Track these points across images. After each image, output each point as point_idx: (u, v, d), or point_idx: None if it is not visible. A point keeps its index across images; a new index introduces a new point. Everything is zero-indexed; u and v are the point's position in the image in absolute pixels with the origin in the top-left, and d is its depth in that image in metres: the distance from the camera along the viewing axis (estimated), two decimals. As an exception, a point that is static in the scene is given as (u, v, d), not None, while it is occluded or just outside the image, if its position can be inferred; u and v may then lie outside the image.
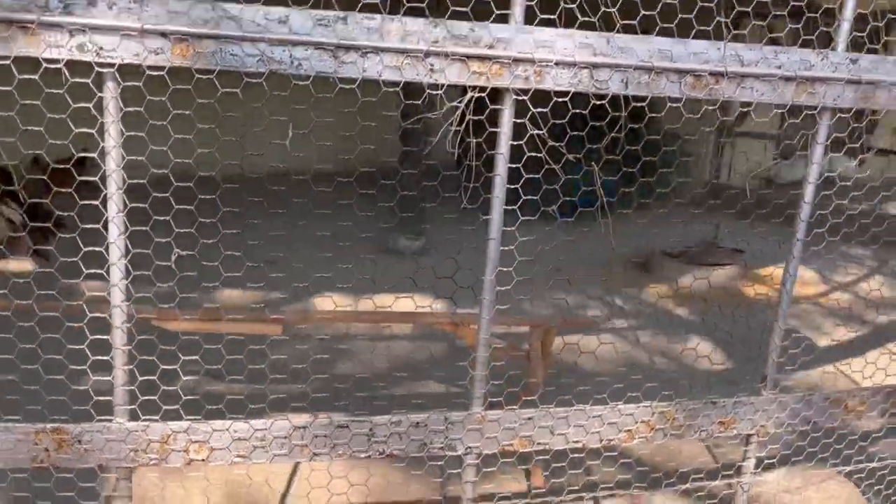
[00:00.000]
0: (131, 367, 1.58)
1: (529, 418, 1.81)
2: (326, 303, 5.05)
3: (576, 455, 2.73)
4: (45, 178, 2.00)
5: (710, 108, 1.91)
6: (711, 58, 1.62)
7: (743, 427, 1.97)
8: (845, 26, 1.71)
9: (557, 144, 2.59)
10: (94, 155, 1.52)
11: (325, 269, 4.65)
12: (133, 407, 1.62)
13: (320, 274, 4.81)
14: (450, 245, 7.57)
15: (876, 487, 3.58)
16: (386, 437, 1.74)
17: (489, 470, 2.60)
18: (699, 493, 3.09)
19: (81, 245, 1.70)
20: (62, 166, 2.04)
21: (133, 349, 1.64)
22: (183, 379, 4.12)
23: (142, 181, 1.92)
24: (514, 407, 1.81)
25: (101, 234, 1.55)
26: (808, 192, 1.85)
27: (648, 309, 6.50)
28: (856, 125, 12.63)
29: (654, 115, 3.72)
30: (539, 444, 1.82)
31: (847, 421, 2.06)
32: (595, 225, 8.90)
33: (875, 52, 1.74)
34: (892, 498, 3.58)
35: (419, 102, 6.83)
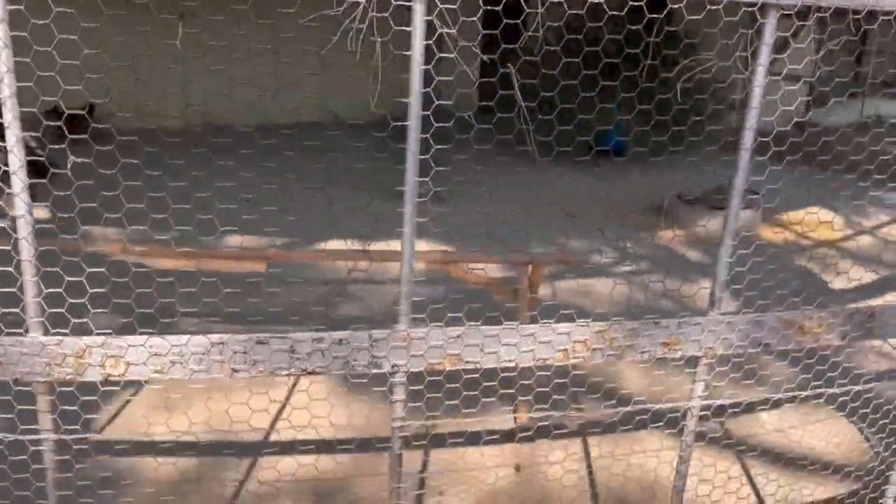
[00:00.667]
0: (36, 279, 1.56)
1: (458, 336, 1.75)
2: (333, 247, 5.04)
3: (560, 381, 2.68)
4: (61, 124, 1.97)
5: (743, 53, 1.81)
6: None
7: (689, 348, 1.89)
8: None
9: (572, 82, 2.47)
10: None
11: (335, 215, 4.59)
12: (41, 320, 1.61)
13: (329, 220, 4.78)
14: (463, 188, 7.50)
15: (862, 411, 3.48)
16: (308, 354, 1.70)
17: (470, 411, 2.58)
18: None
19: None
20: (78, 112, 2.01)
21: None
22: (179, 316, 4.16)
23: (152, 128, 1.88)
24: (440, 324, 1.75)
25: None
26: (756, 96, 1.72)
27: (661, 252, 6.36)
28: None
29: (692, 59, 3.56)
30: (468, 362, 1.77)
31: (803, 343, 1.96)
32: (616, 168, 8.65)
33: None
34: (882, 421, 3.48)
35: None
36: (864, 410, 3.90)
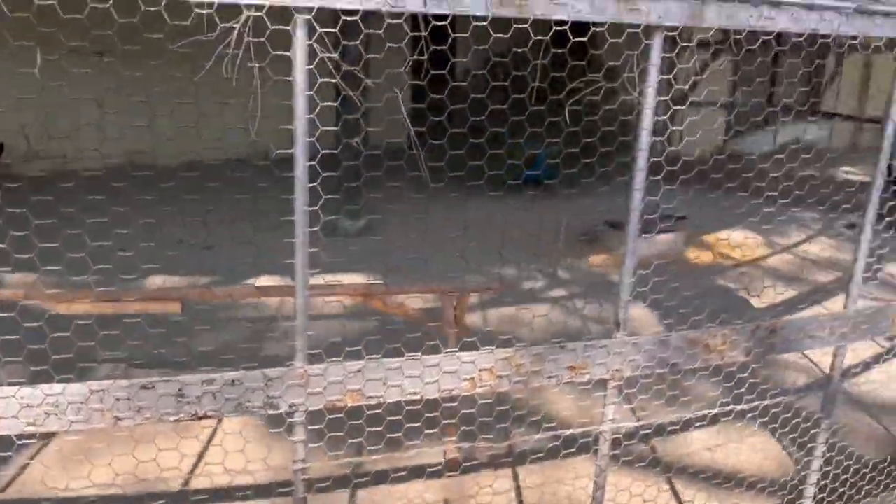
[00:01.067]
0: None
1: (358, 370, 1.68)
2: (263, 283, 4.91)
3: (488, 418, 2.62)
4: None
5: (664, 76, 1.82)
6: (518, -29, 1.49)
7: (596, 371, 1.86)
8: (670, -63, 1.59)
9: (499, 107, 2.48)
10: None
11: (263, 252, 4.48)
12: None
13: (258, 256, 4.65)
14: (394, 223, 7.46)
15: (785, 432, 3.52)
16: (197, 398, 1.61)
17: (412, 443, 2.49)
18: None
19: None
20: None
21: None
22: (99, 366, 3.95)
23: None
24: (339, 359, 1.68)
25: None
26: (647, 118, 1.73)
27: (590, 278, 6.42)
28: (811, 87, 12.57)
29: (610, 84, 3.60)
30: (371, 397, 1.70)
31: (710, 361, 1.96)
32: (548, 196, 8.73)
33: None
34: (800, 440, 3.53)
35: (355, 67, 6.67)
36: (784, 428, 3.97)
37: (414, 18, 1.72)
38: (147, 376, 1.55)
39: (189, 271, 5.55)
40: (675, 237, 7.17)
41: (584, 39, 2.11)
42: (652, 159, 2.89)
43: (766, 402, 2.26)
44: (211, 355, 4.19)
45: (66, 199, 2.65)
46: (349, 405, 1.68)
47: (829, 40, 2.03)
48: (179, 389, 1.59)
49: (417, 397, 1.72)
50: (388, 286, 3.69)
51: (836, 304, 5.89)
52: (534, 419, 3.62)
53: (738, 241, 7.21)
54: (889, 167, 7.23)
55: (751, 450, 3.81)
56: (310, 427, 1.74)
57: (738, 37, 2.14)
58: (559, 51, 2.40)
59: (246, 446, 2.92)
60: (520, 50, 2.49)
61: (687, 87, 11.11)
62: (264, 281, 5.09)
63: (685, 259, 6.98)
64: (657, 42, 1.69)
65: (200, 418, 1.61)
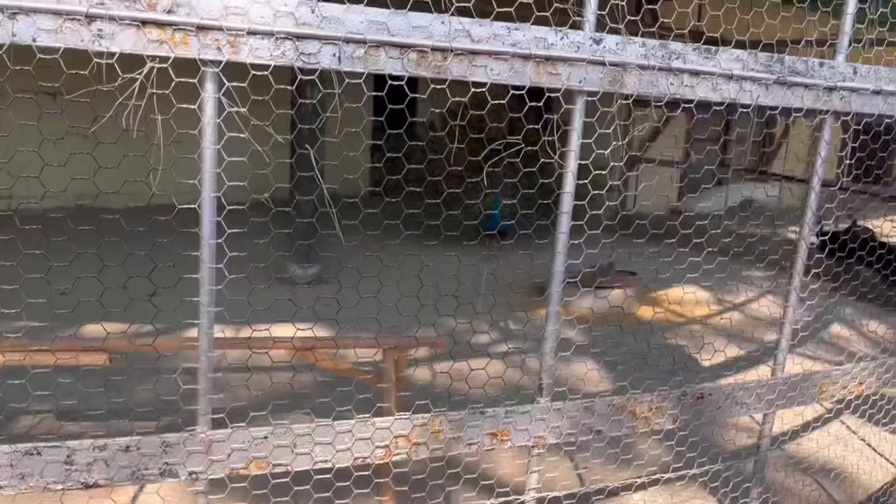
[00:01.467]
0: None
1: (265, 437, 1.59)
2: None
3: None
4: None
5: (618, 143, 1.84)
6: (436, 32, 1.48)
7: (519, 438, 1.80)
8: (591, 4, 1.60)
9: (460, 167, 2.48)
10: None
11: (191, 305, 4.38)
12: None
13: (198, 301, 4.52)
14: (347, 272, 7.37)
15: (723, 489, 3.47)
16: (87, 465, 1.50)
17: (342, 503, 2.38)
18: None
19: None
20: None
21: None
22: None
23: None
24: (243, 424, 1.59)
25: None
26: (569, 181, 1.71)
27: (541, 332, 6.39)
28: (762, 149, 12.95)
29: (565, 149, 3.67)
30: (279, 465, 1.61)
31: (636, 428, 1.92)
32: (502, 250, 8.74)
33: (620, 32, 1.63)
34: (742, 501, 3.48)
35: (311, 125, 6.65)
36: (725, 489, 3.93)
37: (376, 79, 1.70)
38: (77, 428, 1.44)
39: (131, 319, 5.37)
40: (626, 294, 7.21)
41: (540, 104, 2.14)
42: (605, 221, 2.92)
43: (712, 466, 2.21)
44: (144, 406, 4.03)
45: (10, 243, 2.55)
46: (253, 474, 1.59)
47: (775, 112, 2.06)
48: (68, 456, 1.49)
49: (328, 465, 1.64)
50: (323, 339, 3.59)
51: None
52: (486, 482, 3.52)
53: (689, 299, 7.27)
54: (820, 227, 7.41)
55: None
56: (234, 485, 1.64)
57: (688, 106, 2.16)
58: (515, 115, 2.45)
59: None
60: (477, 112, 2.49)
61: (641, 151, 11.37)
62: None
63: (636, 315, 7.01)
64: (579, 106, 1.68)
65: (90, 487, 1.50)
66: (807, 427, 4.74)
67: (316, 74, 1.47)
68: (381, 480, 3.16)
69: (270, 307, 2.20)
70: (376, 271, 2.59)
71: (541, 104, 2.71)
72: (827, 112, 1.93)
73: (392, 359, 3.62)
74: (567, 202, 1.73)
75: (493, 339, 6.18)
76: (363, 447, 1.66)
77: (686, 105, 1.95)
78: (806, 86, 1.84)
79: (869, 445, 4.42)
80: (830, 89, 1.88)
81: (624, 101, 11.47)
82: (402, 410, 3.79)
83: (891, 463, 4.25)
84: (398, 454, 1.69)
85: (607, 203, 9.06)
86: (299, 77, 1.60)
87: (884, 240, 8.05)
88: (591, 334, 6.33)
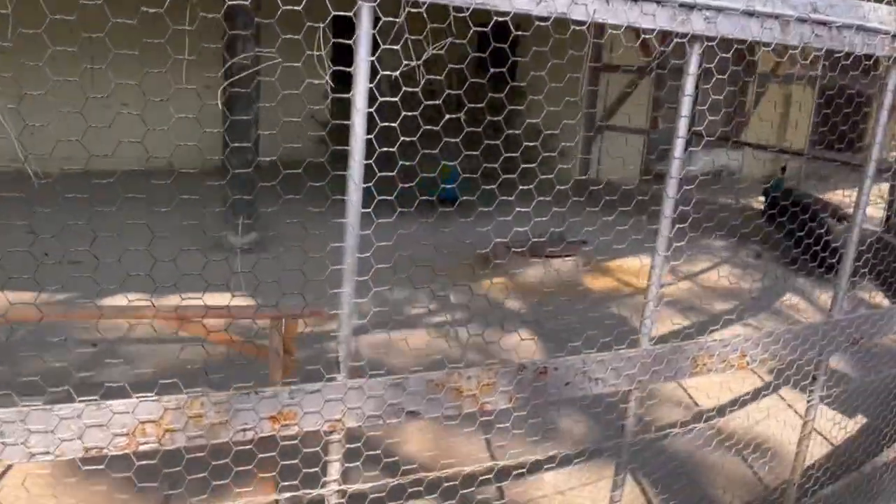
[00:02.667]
0: None
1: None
2: (120, 303, 4.44)
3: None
4: None
5: (572, 98, 1.56)
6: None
7: (308, 422, 1.50)
8: None
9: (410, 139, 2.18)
10: None
11: (133, 267, 4.05)
12: None
13: (129, 272, 4.17)
14: (289, 240, 7.02)
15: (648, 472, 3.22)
16: None
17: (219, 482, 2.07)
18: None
19: None
20: None
21: None
22: None
23: None
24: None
25: None
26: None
27: (482, 303, 6.10)
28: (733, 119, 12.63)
29: (515, 107, 3.32)
30: (-15, 457, 1.31)
31: (461, 407, 1.62)
32: (462, 215, 8.43)
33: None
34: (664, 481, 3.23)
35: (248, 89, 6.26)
36: (646, 468, 3.68)
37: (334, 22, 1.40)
38: None
39: (48, 287, 5.03)
40: (572, 263, 6.93)
41: (506, 45, 1.87)
42: (559, 187, 2.60)
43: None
44: (39, 382, 3.71)
45: None
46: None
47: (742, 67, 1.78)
48: None
49: (50, 458, 1.33)
50: (200, 309, 3.27)
51: (726, 334, 5.69)
52: (391, 459, 3.25)
53: (640, 268, 7.00)
54: (766, 193, 7.08)
55: (607, 491, 3.50)
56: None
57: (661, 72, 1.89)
58: (456, 66, 2.17)
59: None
60: (437, 51, 2.17)
61: (606, 118, 11.01)
62: (120, 300, 4.61)
63: (582, 285, 6.72)
64: (695, 50, 1.35)
65: None
66: (736, 402, 4.49)
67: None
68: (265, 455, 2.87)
69: (199, 275, 1.92)
70: (317, 242, 2.37)
71: (503, 95, 2.35)
72: (685, 36, 1.61)
73: (278, 330, 3.32)
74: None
75: (429, 311, 5.89)
76: (97, 435, 1.36)
77: (659, 71, 1.67)
78: (658, 1, 1.52)
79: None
80: (689, 7, 1.56)
81: (593, 65, 11.03)
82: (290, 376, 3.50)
83: (824, 437, 4.01)
84: (147, 443, 1.39)
85: (560, 167, 8.71)
86: (227, 33, 1.26)
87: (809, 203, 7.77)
88: (533, 305, 6.05)
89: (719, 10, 1.60)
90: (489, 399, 1.63)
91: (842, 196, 10.36)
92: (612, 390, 1.78)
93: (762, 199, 9.33)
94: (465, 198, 3.59)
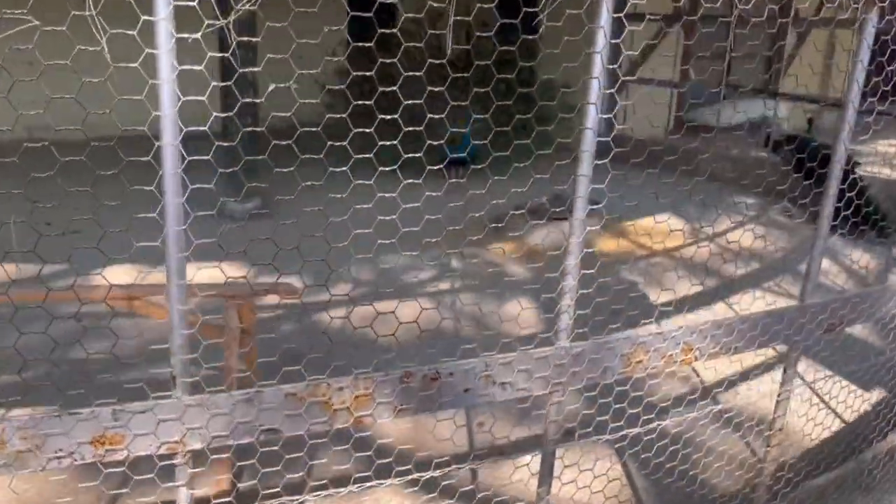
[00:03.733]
0: None
1: None
2: (114, 276, 4.35)
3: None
4: None
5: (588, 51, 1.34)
6: None
7: (140, 446, 1.30)
8: None
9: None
10: None
11: (136, 236, 3.95)
12: None
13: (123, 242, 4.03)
14: (294, 207, 6.85)
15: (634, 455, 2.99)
16: None
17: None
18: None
19: None
20: None
21: None
22: None
23: None
24: None
25: None
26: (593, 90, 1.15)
27: (487, 269, 5.85)
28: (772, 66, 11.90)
29: (526, 63, 3.05)
30: None
31: (330, 423, 1.40)
32: (474, 181, 8.10)
33: None
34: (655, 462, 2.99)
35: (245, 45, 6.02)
36: (634, 450, 3.43)
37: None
38: None
39: (48, 257, 4.94)
40: (589, 223, 6.59)
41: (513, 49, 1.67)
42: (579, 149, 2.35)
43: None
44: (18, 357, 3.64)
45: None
46: None
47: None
48: None
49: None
50: (152, 287, 3.10)
51: (744, 300, 5.33)
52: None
53: (657, 229, 6.63)
54: (767, 137, 6.51)
55: (589, 478, 3.27)
56: None
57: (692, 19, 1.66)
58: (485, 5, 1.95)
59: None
60: (435, 32, 1.95)
61: (631, 72, 10.41)
62: (115, 271, 4.49)
63: (592, 248, 6.39)
64: None
65: None
66: (747, 375, 4.18)
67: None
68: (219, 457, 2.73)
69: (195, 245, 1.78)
70: (322, 205, 2.22)
71: (514, 48, 2.10)
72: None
73: (235, 309, 3.14)
74: (592, 114, 1.18)
75: (429, 278, 5.67)
76: None
77: (689, 18, 1.42)
78: None
79: (817, 395, 3.85)
80: None
81: (614, 15, 10.44)
82: (254, 368, 3.33)
83: (837, 415, 3.69)
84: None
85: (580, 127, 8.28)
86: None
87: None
88: (536, 271, 5.77)
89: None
90: (366, 413, 1.40)
91: (888, 147, 9.70)
92: (523, 395, 1.53)
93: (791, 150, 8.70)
94: (495, 153, 3.33)
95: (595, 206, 6.38)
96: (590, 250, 6.37)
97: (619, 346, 1.60)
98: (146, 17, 1.11)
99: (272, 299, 3.50)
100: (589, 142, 1.42)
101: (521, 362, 1.51)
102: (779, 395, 1.96)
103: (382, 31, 1.80)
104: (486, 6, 2.00)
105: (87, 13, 1.13)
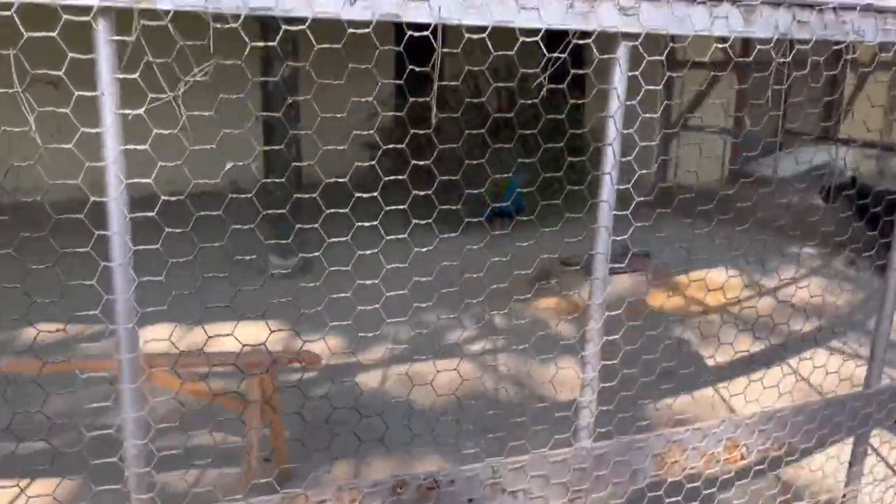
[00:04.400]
0: None
1: None
2: (153, 333, 4.30)
3: None
4: None
5: (651, 87, 1.25)
6: None
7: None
8: None
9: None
10: None
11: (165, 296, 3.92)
12: None
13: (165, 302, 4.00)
14: (339, 264, 6.78)
15: None
16: None
17: None
18: None
19: None
20: None
21: None
22: None
23: None
24: None
25: None
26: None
27: (531, 326, 5.62)
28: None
29: (576, 101, 2.93)
30: None
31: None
32: (520, 234, 7.89)
33: None
34: None
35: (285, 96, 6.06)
36: None
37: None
38: None
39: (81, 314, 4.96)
40: (634, 279, 6.31)
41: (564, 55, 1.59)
42: (640, 199, 2.20)
43: None
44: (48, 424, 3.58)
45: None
46: None
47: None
48: None
49: None
50: (170, 357, 3.00)
51: (805, 361, 4.95)
52: None
53: (711, 282, 6.30)
54: (823, 189, 6.10)
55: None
56: None
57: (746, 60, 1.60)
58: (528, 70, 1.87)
59: None
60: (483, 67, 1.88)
61: (680, 123, 10.14)
62: (160, 329, 4.45)
63: (645, 303, 6.10)
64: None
65: None
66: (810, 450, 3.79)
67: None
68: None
69: (232, 304, 1.77)
70: (362, 262, 2.15)
71: (563, 86, 2.00)
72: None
73: (256, 380, 3.01)
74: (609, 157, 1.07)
75: (471, 336, 5.48)
76: None
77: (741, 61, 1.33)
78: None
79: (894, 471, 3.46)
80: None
81: (662, 59, 10.15)
82: (280, 444, 3.17)
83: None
84: None
85: (638, 172, 8.07)
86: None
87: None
88: (578, 326, 5.51)
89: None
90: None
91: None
92: (539, 504, 1.33)
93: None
94: (542, 203, 3.17)
95: (651, 260, 6.07)
96: (631, 299, 6.08)
97: (650, 446, 1.38)
98: (81, 93, 1.00)
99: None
100: (608, 190, 1.25)
101: (535, 466, 1.31)
102: (844, 496, 1.70)
103: (417, 68, 1.68)
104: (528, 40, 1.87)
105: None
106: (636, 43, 1.20)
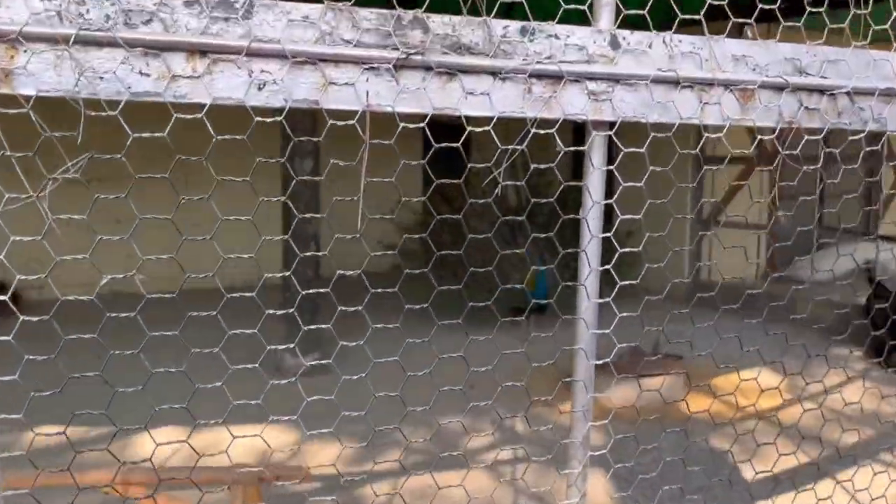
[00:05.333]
0: None
1: None
2: (159, 437, 4.10)
3: None
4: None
5: (683, 184, 1.14)
6: None
7: None
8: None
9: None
10: None
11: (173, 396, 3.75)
12: None
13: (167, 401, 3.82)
14: (360, 363, 6.56)
15: None
16: None
17: None
18: None
19: None
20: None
21: None
22: None
23: None
24: None
25: None
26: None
27: (553, 433, 5.27)
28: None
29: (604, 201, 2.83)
30: None
31: None
32: (540, 325, 7.57)
33: None
34: None
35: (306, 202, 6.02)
36: None
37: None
38: None
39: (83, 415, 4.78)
40: (667, 382, 5.93)
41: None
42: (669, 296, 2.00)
43: None
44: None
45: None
46: None
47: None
48: None
49: None
50: (146, 472, 2.76)
51: (857, 477, 4.49)
52: None
53: (749, 385, 5.89)
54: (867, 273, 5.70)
55: None
56: None
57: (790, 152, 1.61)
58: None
59: None
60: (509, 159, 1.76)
61: (712, 218, 9.86)
62: (166, 432, 4.25)
63: (677, 409, 5.70)
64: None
65: None
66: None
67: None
68: None
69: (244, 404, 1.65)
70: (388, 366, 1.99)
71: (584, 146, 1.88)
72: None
73: (239, 497, 2.76)
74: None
75: (489, 444, 5.14)
76: None
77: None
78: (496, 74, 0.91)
79: None
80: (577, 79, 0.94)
81: (695, 153, 9.93)
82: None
83: None
84: None
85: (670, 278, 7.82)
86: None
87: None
88: (615, 435, 5.12)
89: (616, 80, 0.96)
90: None
91: None
92: None
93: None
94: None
95: (678, 359, 5.71)
96: (667, 402, 5.69)
97: None
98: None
99: (290, 477, 3.10)
100: (592, 246, 1.05)
101: None
102: None
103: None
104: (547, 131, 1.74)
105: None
106: (609, 133, 1.02)
